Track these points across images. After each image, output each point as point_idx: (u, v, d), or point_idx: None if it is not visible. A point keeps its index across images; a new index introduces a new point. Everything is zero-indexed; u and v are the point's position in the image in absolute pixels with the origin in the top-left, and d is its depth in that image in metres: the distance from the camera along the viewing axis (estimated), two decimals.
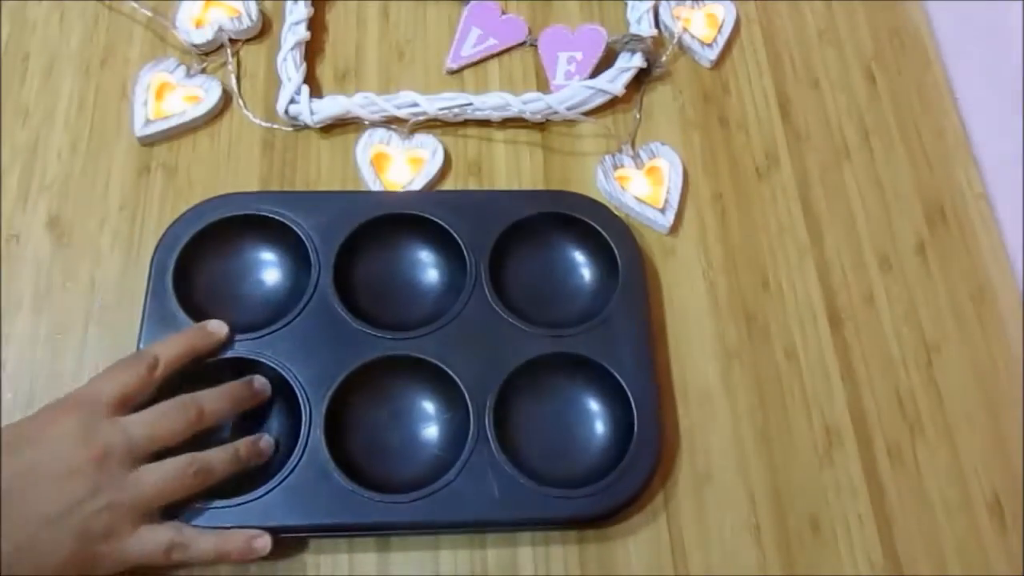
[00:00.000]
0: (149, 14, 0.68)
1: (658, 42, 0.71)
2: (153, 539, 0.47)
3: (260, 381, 0.54)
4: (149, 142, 0.64)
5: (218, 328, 0.54)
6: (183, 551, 0.48)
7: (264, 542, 0.50)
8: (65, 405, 0.48)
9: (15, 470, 0.45)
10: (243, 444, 0.51)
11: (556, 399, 0.57)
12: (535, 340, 0.56)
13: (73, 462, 0.46)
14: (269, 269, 0.60)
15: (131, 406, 0.49)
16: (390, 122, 0.65)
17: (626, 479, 0.53)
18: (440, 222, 0.59)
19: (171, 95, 0.65)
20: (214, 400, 0.51)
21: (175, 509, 0.49)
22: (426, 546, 0.53)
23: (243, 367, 0.54)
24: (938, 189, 0.67)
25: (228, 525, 0.50)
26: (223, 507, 0.50)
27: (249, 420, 0.54)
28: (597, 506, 0.52)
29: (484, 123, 0.66)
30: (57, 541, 0.44)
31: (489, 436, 0.53)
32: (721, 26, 0.71)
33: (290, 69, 0.65)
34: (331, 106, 0.64)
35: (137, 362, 0.51)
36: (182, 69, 0.66)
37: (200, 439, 0.50)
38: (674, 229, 0.64)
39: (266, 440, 0.53)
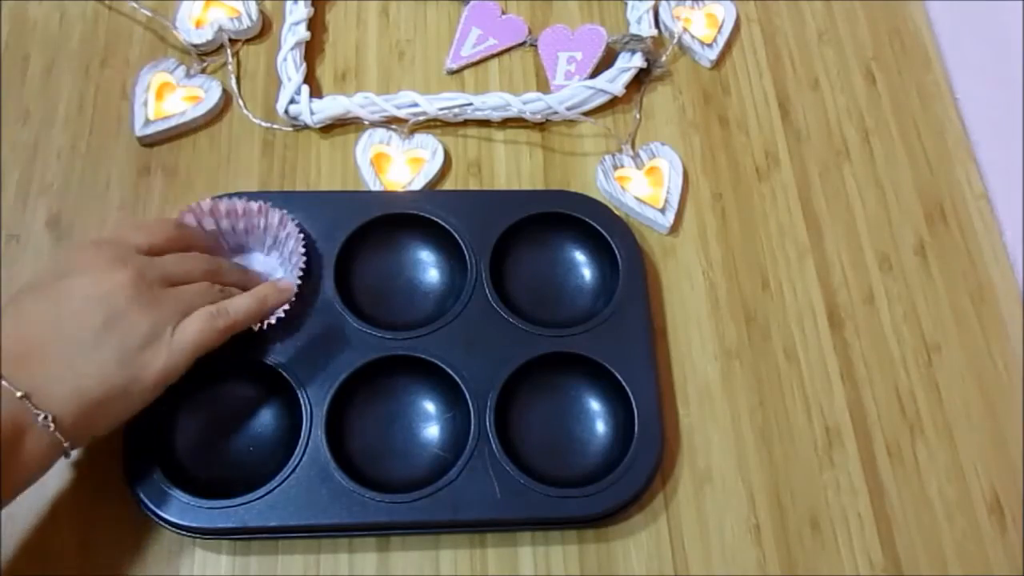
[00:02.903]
0: (149, 14, 0.68)
1: (658, 42, 0.71)
2: (194, 325, 0.48)
3: (284, 282, 0.54)
4: (149, 142, 0.64)
5: (288, 287, 0.54)
6: (225, 316, 0.50)
7: (287, 283, 0.54)
8: (93, 241, 0.50)
9: (51, 298, 0.46)
10: (264, 287, 0.53)
11: (557, 399, 0.57)
12: (536, 340, 0.56)
13: (108, 283, 0.47)
14: None
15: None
16: (390, 122, 0.65)
17: (626, 479, 0.53)
18: (440, 222, 0.59)
19: (171, 95, 0.65)
20: (234, 275, 0.54)
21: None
22: (426, 546, 0.53)
23: (245, 367, 0.54)
24: (938, 189, 0.67)
25: (228, 525, 0.50)
26: (224, 507, 0.50)
27: (249, 417, 0.54)
28: (597, 506, 0.52)
29: (484, 123, 0.66)
30: (99, 361, 0.45)
31: (490, 436, 0.53)
32: (721, 26, 0.71)
33: (290, 69, 0.66)
34: (331, 106, 0.64)
35: (166, 231, 0.53)
36: (182, 69, 0.66)
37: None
38: (674, 229, 0.64)
39: (284, 281, 0.54)
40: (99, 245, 0.49)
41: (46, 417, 0.43)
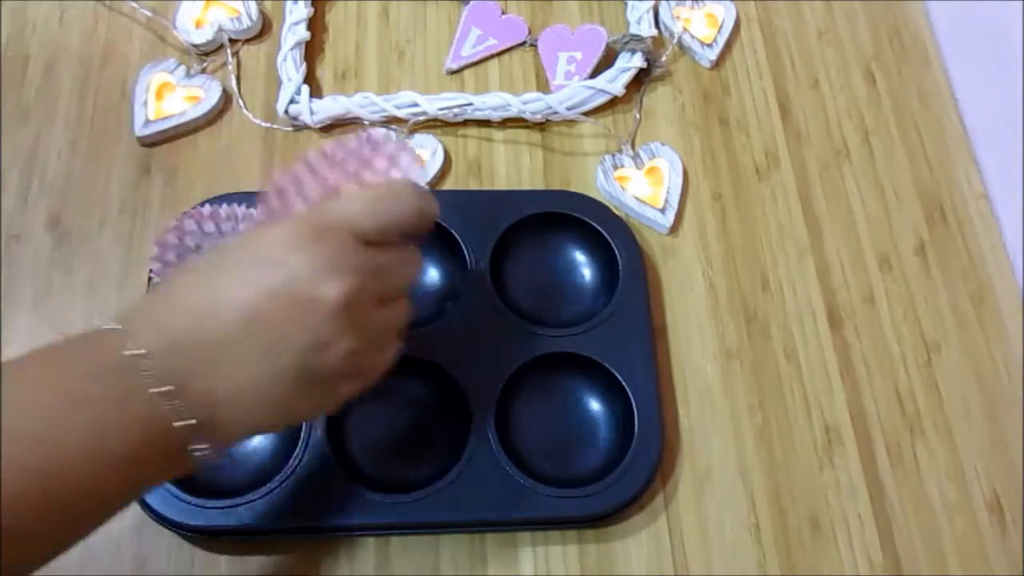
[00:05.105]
0: (149, 14, 0.68)
1: (658, 42, 0.71)
2: (382, 363, 0.43)
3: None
4: (149, 142, 0.64)
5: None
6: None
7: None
8: (314, 228, 0.39)
9: (249, 291, 0.37)
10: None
11: (557, 399, 0.57)
12: (536, 340, 0.56)
13: (322, 300, 0.38)
14: None
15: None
16: (390, 122, 0.65)
17: (626, 479, 0.53)
18: (440, 222, 0.59)
19: (171, 95, 0.65)
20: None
21: None
22: (426, 546, 0.53)
23: None
24: (938, 189, 0.67)
25: (228, 525, 0.50)
26: (224, 507, 0.50)
27: None
28: (597, 506, 0.52)
29: (484, 123, 0.66)
30: (284, 396, 0.38)
31: (490, 436, 0.53)
32: (721, 26, 0.71)
33: (290, 69, 0.66)
34: (331, 106, 0.64)
35: (409, 213, 0.42)
36: (182, 69, 0.66)
37: None
38: (674, 229, 0.64)
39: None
40: (320, 238, 0.39)
41: (202, 450, 0.38)
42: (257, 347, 0.37)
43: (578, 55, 0.69)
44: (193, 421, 0.37)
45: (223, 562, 0.52)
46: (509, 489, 0.52)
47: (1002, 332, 0.62)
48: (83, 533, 0.37)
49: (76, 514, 0.36)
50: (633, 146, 0.66)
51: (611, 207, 0.62)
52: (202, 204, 0.57)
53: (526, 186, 0.65)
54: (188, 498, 0.50)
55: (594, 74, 0.68)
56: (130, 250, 0.60)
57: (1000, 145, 0.68)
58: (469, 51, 0.69)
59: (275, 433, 0.53)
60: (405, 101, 0.65)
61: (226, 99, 0.66)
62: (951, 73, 0.72)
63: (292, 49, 0.66)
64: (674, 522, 0.55)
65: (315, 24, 0.69)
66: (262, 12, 0.69)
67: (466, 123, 0.66)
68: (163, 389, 0.36)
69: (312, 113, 0.64)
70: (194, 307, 0.38)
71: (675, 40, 0.70)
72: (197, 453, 0.38)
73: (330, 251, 0.39)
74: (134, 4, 0.68)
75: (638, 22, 0.70)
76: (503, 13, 0.71)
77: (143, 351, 0.36)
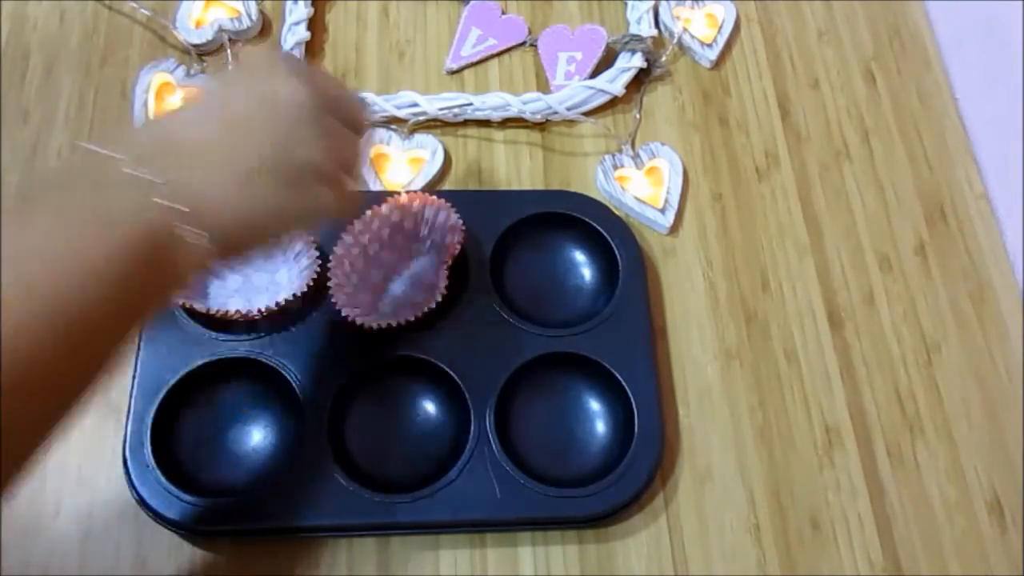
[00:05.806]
0: (149, 14, 0.68)
1: (658, 42, 0.71)
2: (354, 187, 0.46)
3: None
4: None
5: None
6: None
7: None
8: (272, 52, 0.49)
9: (231, 102, 0.42)
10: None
11: (557, 399, 0.57)
12: (536, 340, 0.56)
13: (290, 97, 0.42)
14: None
15: None
16: (390, 122, 0.65)
17: (626, 479, 0.53)
18: None
19: (171, 95, 0.65)
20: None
21: None
22: (426, 546, 0.53)
23: (244, 367, 0.54)
24: (938, 189, 0.67)
25: (228, 525, 0.50)
26: (223, 507, 0.50)
27: (249, 417, 0.54)
28: (597, 506, 0.52)
29: (484, 123, 0.66)
30: (263, 176, 0.41)
31: (490, 436, 0.53)
32: (721, 26, 0.71)
33: None
34: None
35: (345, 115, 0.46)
36: (182, 69, 0.66)
37: None
38: (674, 229, 0.64)
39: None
40: (284, 56, 0.47)
41: (193, 235, 0.39)
42: (240, 143, 0.41)
43: (578, 55, 0.69)
44: (182, 208, 0.38)
45: (223, 562, 0.52)
46: (510, 489, 0.52)
47: (1002, 332, 0.62)
48: (88, 370, 0.37)
49: (81, 339, 0.36)
50: (633, 146, 0.66)
51: (611, 207, 0.62)
52: None
53: (526, 186, 0.65)
54: (188, 498, 0.50)
55: (594, 74, 0.68)
56: None
57: (1000, 145, 0.68)
58: (469, 51, 0.69)
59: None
60: (405, 101, 0.65)
61: None
62: (951, 73, 0.72)
63: (292, 49, 0.66)
64: (674, 522, 0.55)
65: (315, 24, 0.69)
66: (262, 12, 0.69)
67: (466, 123, 0.66)
68: (159, 183, 0.38)
69: None
70: (181, 119, 0.43)
71: (675, 40, 0.70)
72: (189, 238, 0.39)
73: (295, 66, 0.45)
74: (134, 4, 0.68)
75: (638, 22, 0.70)
76: (503, 13, 0.71)
77: (124, 157, 0.38)
